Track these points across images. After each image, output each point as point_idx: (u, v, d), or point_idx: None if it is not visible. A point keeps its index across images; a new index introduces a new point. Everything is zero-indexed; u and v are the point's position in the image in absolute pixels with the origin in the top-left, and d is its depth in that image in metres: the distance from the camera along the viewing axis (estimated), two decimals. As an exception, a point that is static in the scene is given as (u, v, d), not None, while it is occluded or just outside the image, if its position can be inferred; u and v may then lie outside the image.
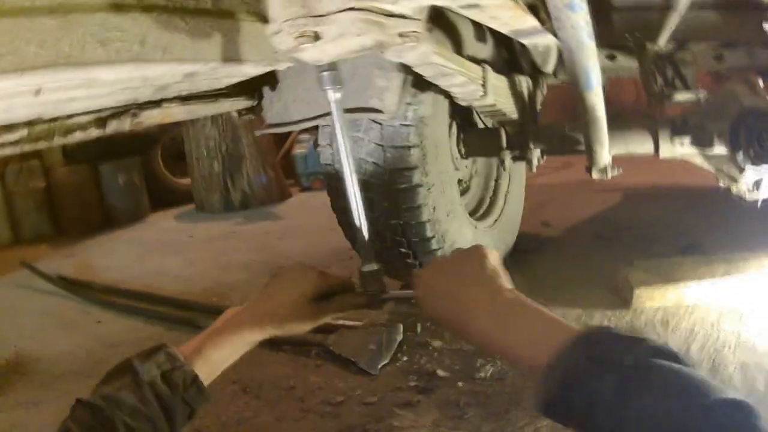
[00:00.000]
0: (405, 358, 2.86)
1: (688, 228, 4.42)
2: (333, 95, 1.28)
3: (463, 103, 2.79)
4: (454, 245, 3.06)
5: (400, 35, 1.38)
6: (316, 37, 1.29)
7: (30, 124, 1.95)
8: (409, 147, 2.70)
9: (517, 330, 1.10)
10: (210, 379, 1.34)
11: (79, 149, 7.41)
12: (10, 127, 1.88)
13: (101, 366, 3.10)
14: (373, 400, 2.53)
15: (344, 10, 1.26)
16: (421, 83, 2.49)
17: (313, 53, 1.35)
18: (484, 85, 2.61)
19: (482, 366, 2.69)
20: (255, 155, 7.66)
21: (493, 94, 2.73)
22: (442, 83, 2.39)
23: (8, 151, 2.00)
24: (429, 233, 2.91)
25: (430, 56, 1.94)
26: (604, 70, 4.54)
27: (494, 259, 1.32)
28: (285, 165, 8.57)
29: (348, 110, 2.16)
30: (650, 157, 3.18)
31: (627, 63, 3.81)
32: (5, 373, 3.23)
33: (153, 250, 6.05)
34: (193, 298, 4.14)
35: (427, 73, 2.17)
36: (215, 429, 2.48)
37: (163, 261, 5.50)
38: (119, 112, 2.17)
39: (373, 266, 1.44)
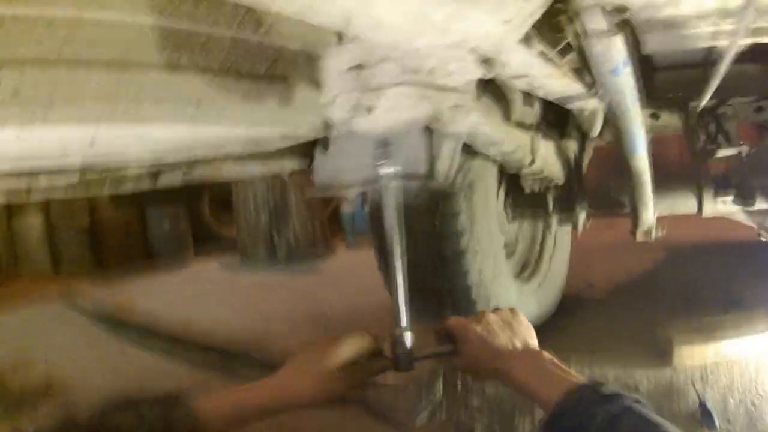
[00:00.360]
0: (444, 415, 2.86)
1: (731, 283, 4.43)
2: (385, 170, 1.29)
3: (511, 170, 2.80)
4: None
5: (450, 108, 1.39)
6: (370, 109, 1.30)
7: (82, 171, 1.98)
8: (458, 213, 2.73)
9: (549, 381, 1.43)
10: None
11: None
12: (61, 172, 1.91)
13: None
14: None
15: (398, 85, 1.27)
16: (470, 149, 2.51)
17: (366, 125, 1.36)
18: (532, 153, 2.63)
19: (520, 423, 2.71)
20: (302, 210, 7.71)
21: (541, 161, 2.75)
22: (491, 152, 2.41)
23: (58, 195, 2.03)
24: (474, 296, 2.92)
25: (478, 126, 1.95)
26: (647, 129, 4.56)
27: (526, 320, 1.66)
28: (331, 222, 8.61)
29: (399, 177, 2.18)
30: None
31: (670, 121, 3.82)
32: (33, 395, 3.27)
33: (195, 296, 6.09)
34: (233, 347, 4.14)
35: (476, 142, 2.19)
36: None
37: (204, 307, 5.53)
38: (172, 166, 2.20)
39: (403, 328, 1.49)
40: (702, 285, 4.55)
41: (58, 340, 4.44)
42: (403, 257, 1.46)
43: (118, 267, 7.60)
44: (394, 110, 1.31)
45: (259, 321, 4.89)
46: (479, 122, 1.93)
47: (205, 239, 8.52)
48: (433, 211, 2.76)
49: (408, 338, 1.50)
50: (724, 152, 3.59)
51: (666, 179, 3.29)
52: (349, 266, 7.17)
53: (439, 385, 2.98)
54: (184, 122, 1.41)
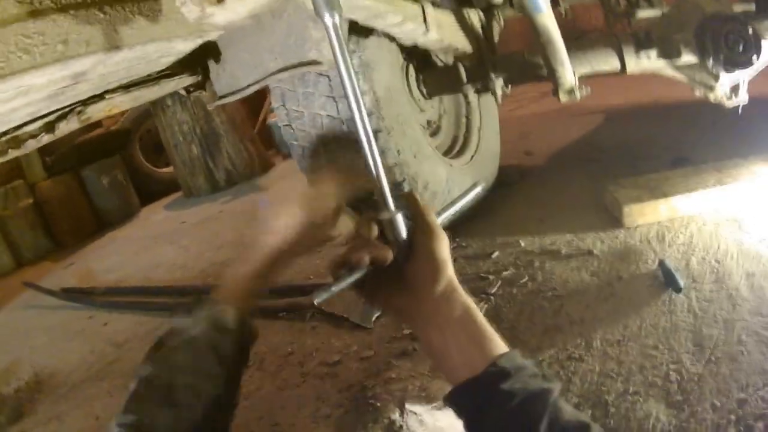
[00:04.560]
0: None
1: (675, 142, 4.33)
2: (329, 20, 1.19)
3: (407, 43, 2.77)
4: (427, 186, 3.08)
5: (309, -19, 1.36)
6: (219, -1, 1.28)
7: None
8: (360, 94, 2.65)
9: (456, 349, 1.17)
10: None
11: (59, 160, 7.48)
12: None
13: (114, 366, 3.17)
14: (369, 354, 2.54)
15: (241, -34, 1.25)
16: (361, 29, 2.48)
17: (225, 15, 1.35)
18: (424, 22, 2.59)
19: (476, 304, 2.68)
20: (231, 131, 7.65)
21: (437, 30, 2.71)
22: (378, 25, 2.37)
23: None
24: (398, 177, 2.90)
25: (354, 1, 1.93)
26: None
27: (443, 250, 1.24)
28: (263, 135, 8.55)
29: (289, 67, 2.17)
30: (626, 76, 3.14)
31: (587, -15, 3.81)
32: (28, 394, 3.28)
33: (148, 244, 6.09)
34: (190, 283, 4.19)
35: (358, 16, 2.16)
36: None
37: (158, 252, 5.55)
38: (65, 113, 2.18)
39: (393, 211, 1.24)
40: (645, 145, 4.46)
41: (34, 330, 4.43)
42: (367, 122, 1.27)
43: (71, 235, 7.57)
44: (245, -6, 1.28)
45: (212, 251, 4.91)
46: (351, -5, 1.90)
47: (146, 185, 8.46)
48: (335, 97, 2.72)
49: (401, 223, 1.26)
50: (643, 14, 3.57)
51: (583, 38, 3.26)
52: (289, 176, 7.15)
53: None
54: (56, 63, 1.40)
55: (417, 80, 3.42)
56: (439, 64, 3.63)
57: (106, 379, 3.14)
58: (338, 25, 1.15)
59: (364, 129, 1.17)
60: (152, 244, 5.98)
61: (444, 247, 1.22)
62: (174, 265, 4.91)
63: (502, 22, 3.68)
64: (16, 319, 5.01)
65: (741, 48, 2.78)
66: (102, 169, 7.78)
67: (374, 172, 1.22)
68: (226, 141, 7.59)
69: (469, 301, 1.22)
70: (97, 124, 7.71)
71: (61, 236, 7.66)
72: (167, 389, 1.10)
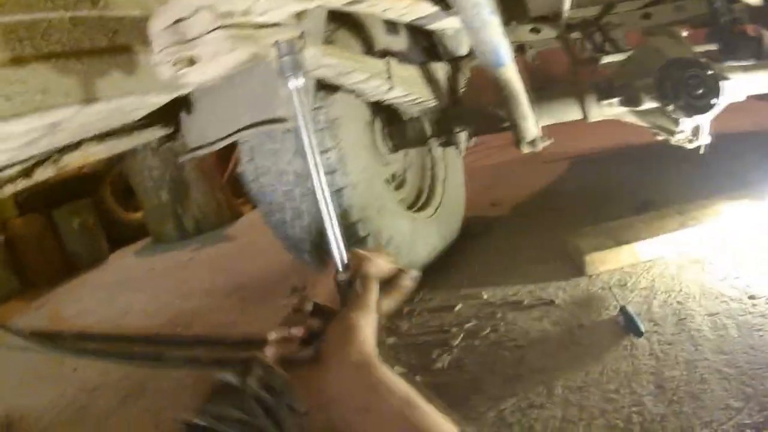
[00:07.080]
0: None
1: (640, 186, 4.42)
2: (294, 82, 1.23)
3: (373, 99, 2.82)
4: (391, 240, 3.10)
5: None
6: (192, 61, 1.33)
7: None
8: (326, 150, 2.72)
9: None
10: None
11: (30, 198, 7.43)
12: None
13: (84, 412, 3.18)
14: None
15: (212, 31, 1.29)
16: (328, 86, 2.53)
17: (195, 76, 1.39)
18: (389, 78, 2.65)
19: (439, 356, 2.71)
20: (201, 179, 7.68)
21: (402, 86, 2.76)
22: (344, 82, 2.43)
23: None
24: (362, 233, 2.92)
25: (320, 59, 1.99)
26: (532, 45, 4.60)
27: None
28: (233, 184, 8.52)
29: (257, 124, 2.22)
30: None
31: (551, 34, 3.87)
32: (-3, 435, 3.26)
33: (117, 290, 6.04)
34: (159, 331, 4.18)
35: (325, 75, 2.22)
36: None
37: (127, 299, 5.49)
38: (42, 160, 2.23)
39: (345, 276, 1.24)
40: (609, 191, 4.56)
41: (3, 371, 4.37)
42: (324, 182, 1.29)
43: (40, 276, 7.50)
44: (218, 56, 1.33)
45: (181, 299, 4.91)
46: (318, 55, 1.96)
47: (117, 230, 8.42)
48: (301, 152, 2.71)
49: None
50: (609, 59, 3.64)
51: (546, 89, 3.30)
52: (258, 226, 6.99)
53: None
54: (35, 112, 1.44)
55: (383, 134, 3.46)
56: (405, 117, 3.69)
57: (76, 424, 3.13)
58: (300, 87, 1.21)
59: (321, 188, 1.23)
60: (121, 291, 5.94)
61: (366, 317, 1.19)
62: (143, 312, 4.89)
63: (468, 73, 3.74)
64: (-16, 360, 4.96)
65: (701, 93, 2.85)
66: (73, 211, 7.75)
67: (330, 231, 1.25)
68: (195, 189, 7.62)
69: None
70: (70, 165, 7.67)
71: (30, 275, 7.58)
72: None
